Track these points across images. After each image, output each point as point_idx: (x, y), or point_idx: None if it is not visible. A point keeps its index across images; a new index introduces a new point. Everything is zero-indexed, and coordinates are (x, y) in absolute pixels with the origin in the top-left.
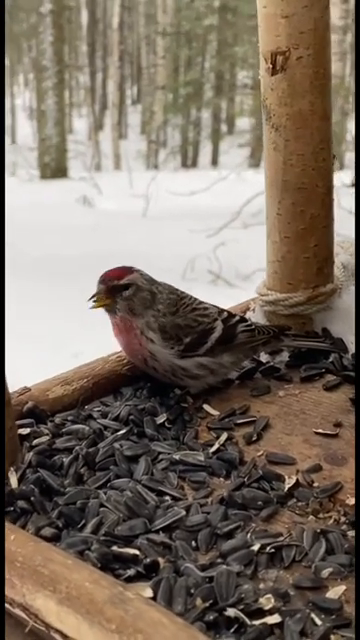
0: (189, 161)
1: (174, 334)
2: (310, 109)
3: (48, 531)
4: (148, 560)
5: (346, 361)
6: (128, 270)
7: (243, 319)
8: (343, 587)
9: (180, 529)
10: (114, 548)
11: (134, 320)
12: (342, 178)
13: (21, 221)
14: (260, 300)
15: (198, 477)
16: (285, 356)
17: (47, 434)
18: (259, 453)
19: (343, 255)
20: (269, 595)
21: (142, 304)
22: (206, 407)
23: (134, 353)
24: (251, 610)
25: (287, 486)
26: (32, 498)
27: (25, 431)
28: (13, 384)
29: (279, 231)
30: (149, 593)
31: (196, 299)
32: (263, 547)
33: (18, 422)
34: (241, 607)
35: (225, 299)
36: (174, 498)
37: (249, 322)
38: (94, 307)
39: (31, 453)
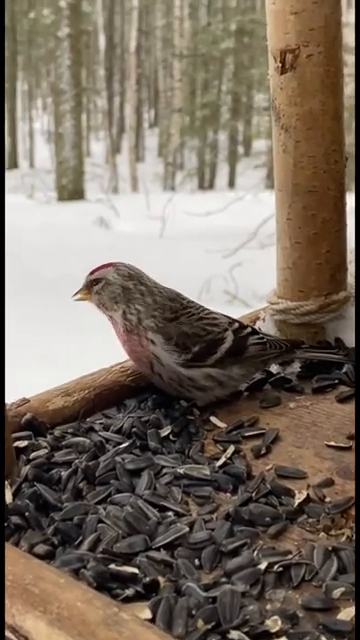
0: (206, 183)
1: (181, 342)
2: (321, 109)
3: (42, 548)
4: (147, 579)
5: None
6: (107, 265)
7: (255, 331)
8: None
9: (183, 546)
10: (112, 566)
11: (112, 315)
12: None
13: (37, 243)
14: (270, 309)
15: (203, 492)
16: (296, 367)
17: (45, 447)
18: (268, 467)
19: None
20: (276, 617)
21: (110, 299)
22: (213, 419)
23: (138, 356)
24: (257, 633)
25: (297, 501)
26: (27, 513)
27: (22, 444)
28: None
29: (289, 236)
30: (147, 614)
31: (205, 309)
32: (270, 565)
33: (15, 434)
34: (246, 629)
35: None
36: (177, 514)
37: (261, 335)
38: (75, 299)
39: (28, 467)
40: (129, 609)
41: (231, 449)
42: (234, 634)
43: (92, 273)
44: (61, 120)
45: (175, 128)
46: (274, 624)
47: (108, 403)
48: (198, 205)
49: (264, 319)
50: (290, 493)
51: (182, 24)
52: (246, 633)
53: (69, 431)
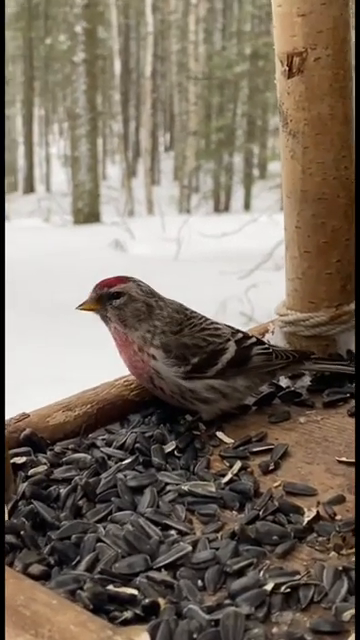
0: (221, 206)
1: (180, 353)
2: (330, 113)
3: (37, 568)
4: (147, 601)
5: None
6: (123, 279)
7: (260, 342)
8: None
9: (185, 567)
10: (109, 587)
11: (128, 333)
12: None
13: (52, 265)
14: (279, 321)
15: (208, 510)
16: (307, 380)
17: (45, 463)
18: (276, 484)
19: None
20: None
21: (135, 316)
22: (220, 434)
23: (138, 372)
24: None
25: (306, 519)
26: (22, 532)
27: (20, 460)
28: None
29: (298, 245)
30: (146, 638)
31: (208, 319)
32: (277, 586)
33: (14, 450)
34: None
35: None
36: (180, 532)
37: (266, 345)
38: (81, 309)
39: (25, 484)
40: (126, 632)
41: (238, 465)
42: None
43: (105, 286)
44: (77, 144)
45: (190, 151)
46: None
47: (111, 418)
48: (213, 227)
49: (273, 331)
50: (299, 511)
51: (197, 48)
52: None
53: (70, 447)
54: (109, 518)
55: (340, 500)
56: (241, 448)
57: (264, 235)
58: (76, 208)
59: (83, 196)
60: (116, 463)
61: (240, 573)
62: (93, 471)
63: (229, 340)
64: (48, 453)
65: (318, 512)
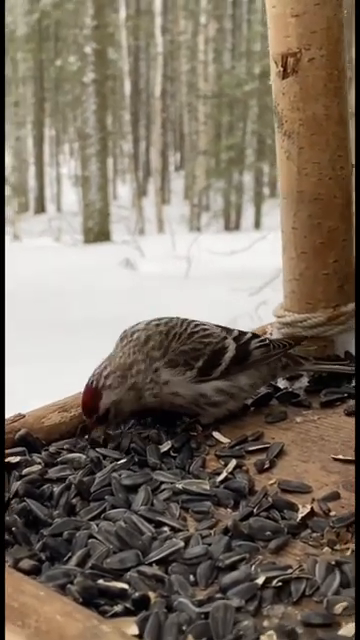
0: (232, 224)
1: (182, 360)
2: (325, 113)
3: (27, 563)
4: (137, 595)
5: None
6: (96, 394)
7: (256, 335)
8: None
9: (177, 562)
10: (100, 582)
11: (141, 407)
12: None
13: (63, 284)
14: (277, 322)
15: (202, 507)
16: (304, 382)
17: (39, 463)
18: (271, 481)
19: None
20: (271, 632)
21: (133, 402)
22: (216, 435)
23: (160, 408)
24: None
25: (300, 515)
26: (14, 529)
27: (15, 459)
28: None
29: (295, 246)
30: (134, 630)
31: (189, 323)
32: (269, 580)
33: (8, 450)
34: None
35: None
36: (173, 529)
37: (262, 337)
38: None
39: (19, 482)
40: (114, 624)
41: (233, 463)
42: None
43: (91, 413)
44: (87, 163)
45: (200, 170)
46: (268, 639)
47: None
48: (224, 245)
49: (271, 333)
50: (293, 507)
51: (206, 68)
52: None
53: (65, 447)
54: (102, 516)
55: (335, 497)
56: (237, 447)
57: (274, 252)
58: (86, 227)
59: (93, 215)
60: (111, 463)
61: (232, 568)
62: (88, 471)
63: (226, 338)
64: (43, 453)
65: (312, 508)
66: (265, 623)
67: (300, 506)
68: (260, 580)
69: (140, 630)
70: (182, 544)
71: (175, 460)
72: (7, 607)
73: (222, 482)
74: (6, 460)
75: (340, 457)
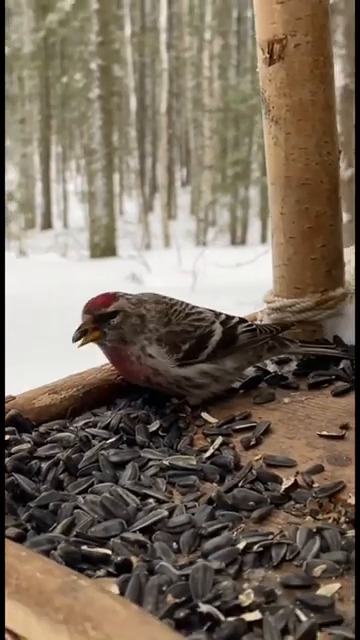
0: (238, 239)
1: (170, 342)
2: (311, 99)
3: (12, 531)
4: (119, 559)
5: None
6: (113, 297)
7: (243, 320)
8: (337, 585)
9: (161, 530)
10: (83, 548)
11: (127, 348)
12: None
13: (68, 299)
14: (267, 308)
15: (188, 481)
16: (293, 366)
17: (29, 442)
18: (257, 457)
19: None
20: (249, 591)
21: (132, 331)
22: (204, 415)
23: (135, 376)
24: (228, 607)
25: (284, 487)
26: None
27: (5, 438)
28: None
29: (283, 232)
30: (115, 590)
31: (188, 304)
32: (250, 546)
33: None
34: (217, 604)
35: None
36: (158, 501)
37: (249, 322)
38: (83, 344)
39: (7, 459)
40: (95, 582)
41: (219, 440)
42: (203, 607)
43: (101, 306)
44: (93, 179)
45: (206, 185)
46: (247, 598)
47: (98, 402)
48: (230, 259)
49: (261, 320)
50: (277, 479)
51: (212, 84)
52: (217, 607)
53: (55, 427)
54: (89, 490)
55: (319, 469)
56: (224, 426)
57: None
58: (93, 242)
59: (99, 230)
60: (100, 442)
61: (214, 535)
62: (77, 449)
63: (214, 322)
64: (33, 433)
65: (296, 480)
66: (245, 585)
67: (284, 479)
68: (241, 545)
69: (121, 591)
70: (166, 513)
71: (163, 439)
72: None
73: (209, 458)
74: None
75: (325, 433)
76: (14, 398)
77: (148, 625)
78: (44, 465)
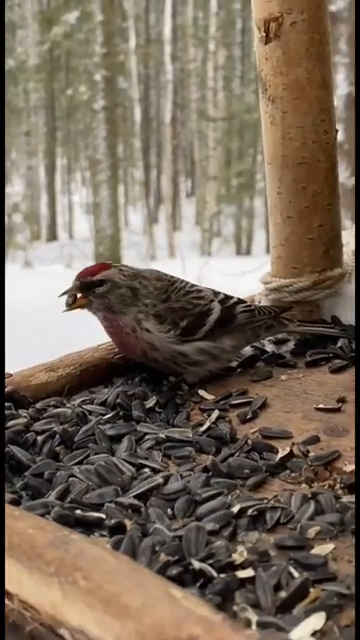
0: (243, 249)
1: (169, 318)
2: (307, 77)
3: (8, 497)
4: (113, 522)
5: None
6: (105, 265)
7: (242, 300)
8: (331, 546)
9: (156, 497)
10: (77, 512)
11: (117, 319)
12: None
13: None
14: (264, 289)
15: (184, 452)
16: (291, 345)
17: (25, 417)
18: (253, 430)
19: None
20: (243, 549)
21: (120, 301)
22: (201, 392)
23: (131, 349)
24: (221, 565)
25: (279, 456)
26: None
27: None
28: None
29: (280, 211)
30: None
31: (188, 282)
32: (244, 510)
33: None
34: (210, 562)
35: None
36: (154, 470)
37: (248, 303)
38: (68, 310)
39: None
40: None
41: (215, 414)
42: (196, 565)
43: (88, 274)
44: (98, 189)
45: (211, 196)
46: (240, 556)
47: (95, 380)
48: (234, 268)
49: (259, 302)
50: (273, 450)
51: (216, 95)
52: (210, 565)
53: (51, 404)
54: (85, 462)
55: (315, 440)
56: (221, 402)
57: None
58: (98, 253)
59: (104, 241)
60: (97, 417)
61: (209, 500)
62: (73, 424)
63: (213, 301)
64: (30, 409)
65: (292, 450)
66: (239, 547)
67: (280, 449)
68: (235, 509)
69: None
70: (161, 481)
71: (160, 415)
72: None
73: (205, 431)
74: None
75: (321, 406)
76: (11, 375)
77: (137, 572)
78: (40, 438)
